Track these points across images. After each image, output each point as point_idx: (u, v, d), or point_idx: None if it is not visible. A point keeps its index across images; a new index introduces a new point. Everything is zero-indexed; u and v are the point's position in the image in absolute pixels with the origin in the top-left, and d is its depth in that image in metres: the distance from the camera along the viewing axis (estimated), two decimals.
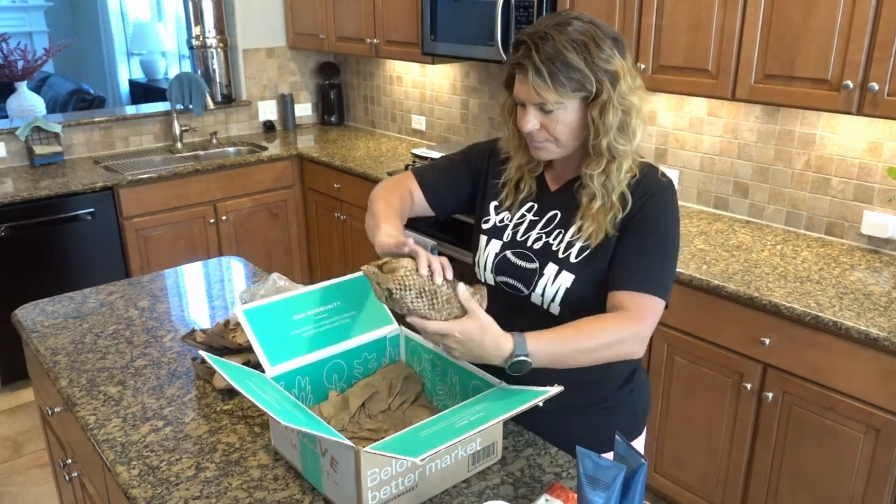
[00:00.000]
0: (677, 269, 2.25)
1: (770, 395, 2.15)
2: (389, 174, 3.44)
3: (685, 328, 2.32)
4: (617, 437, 1.10)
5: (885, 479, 1.97)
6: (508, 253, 1.46)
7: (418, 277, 1.18)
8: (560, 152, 1.38)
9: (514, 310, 1.45)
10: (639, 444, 1.57)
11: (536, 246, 1.43)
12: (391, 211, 1.43)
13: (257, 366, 1.36)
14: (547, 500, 1.20)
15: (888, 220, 2.37)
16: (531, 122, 1.33)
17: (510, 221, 1.49)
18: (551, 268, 1.39)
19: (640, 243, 1.34)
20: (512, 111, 1.41)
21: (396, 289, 1.17)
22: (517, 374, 1.22)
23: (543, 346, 1.23)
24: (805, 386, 2.08)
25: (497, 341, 1.20)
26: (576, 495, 1.13)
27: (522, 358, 1.20)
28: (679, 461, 2.48)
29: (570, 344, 1.26)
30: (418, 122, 4.17)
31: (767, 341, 2.12)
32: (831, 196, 2.51)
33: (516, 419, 1.38)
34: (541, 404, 1.19)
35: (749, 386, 2.19)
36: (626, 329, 1.29)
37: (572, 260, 1.38)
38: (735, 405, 2.26)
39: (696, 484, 2.45)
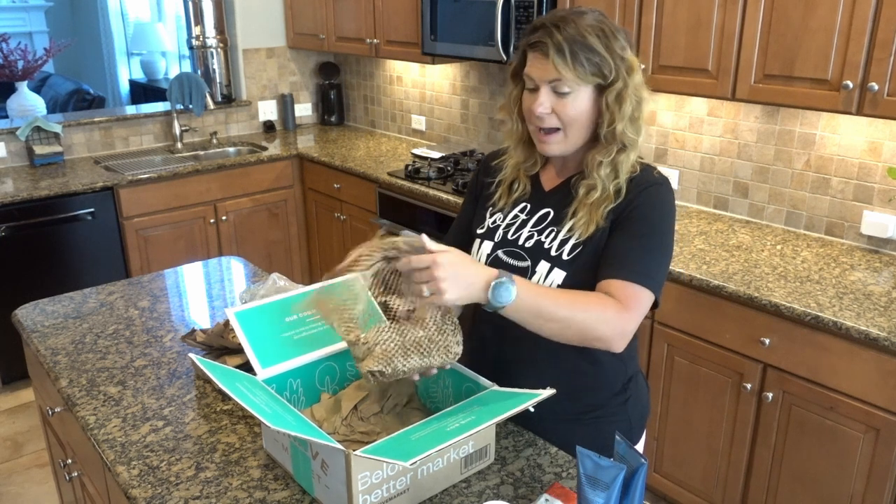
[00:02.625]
0: (677, 269, 2.27)
1: (770, 395, 2.15)
2: (389, 174, 3.44)
3: (685, 328, 2.32)
4: (617, 436, 1.10)
5: (885, 479, 1.97)
6: (500, 252, 1.45)
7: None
8: (566, 147, 1.37)
9: None
10: None
11: (528, 244, 1.42)
12: None
13: None
14: (547, 500, 1.20)
15: (888, 220, 2.37)
16: (543, 104, 1.32)
17: (502, 222, 1.48)
18: (543, 265, 1.39)
19: (631, 234, 1.33)
20: (518, 101, 1.40)
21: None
22: (499, 305, 1.20)
23: (527, 287, 1.23)
24: (805, 386, 2.08)
25: (481, 267, 1.22)
26: (576, 495, 1.13)
27: (506, 280, 1.19)
28: (679, 461, 2.48)
29: (552, 297, 1.26)
30: (418, 122, 4.17)
31: (767, 341, 2.12)
32: (831, 196, 2.51)
33: (513, 420, 1.38)
34: (531, 409, 1.19)
35: (749, 386, 2.19)
36: (610, 309, 1.26)
37: (564, 258, 1.37)
38: (735, 405, 2.26)
39: (696, 484, 2.45)
